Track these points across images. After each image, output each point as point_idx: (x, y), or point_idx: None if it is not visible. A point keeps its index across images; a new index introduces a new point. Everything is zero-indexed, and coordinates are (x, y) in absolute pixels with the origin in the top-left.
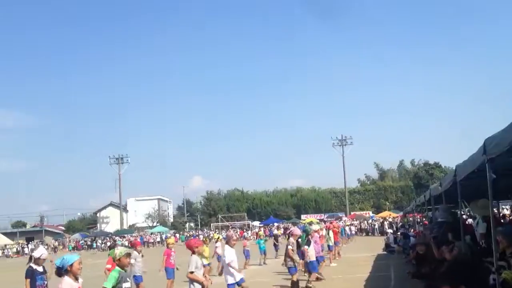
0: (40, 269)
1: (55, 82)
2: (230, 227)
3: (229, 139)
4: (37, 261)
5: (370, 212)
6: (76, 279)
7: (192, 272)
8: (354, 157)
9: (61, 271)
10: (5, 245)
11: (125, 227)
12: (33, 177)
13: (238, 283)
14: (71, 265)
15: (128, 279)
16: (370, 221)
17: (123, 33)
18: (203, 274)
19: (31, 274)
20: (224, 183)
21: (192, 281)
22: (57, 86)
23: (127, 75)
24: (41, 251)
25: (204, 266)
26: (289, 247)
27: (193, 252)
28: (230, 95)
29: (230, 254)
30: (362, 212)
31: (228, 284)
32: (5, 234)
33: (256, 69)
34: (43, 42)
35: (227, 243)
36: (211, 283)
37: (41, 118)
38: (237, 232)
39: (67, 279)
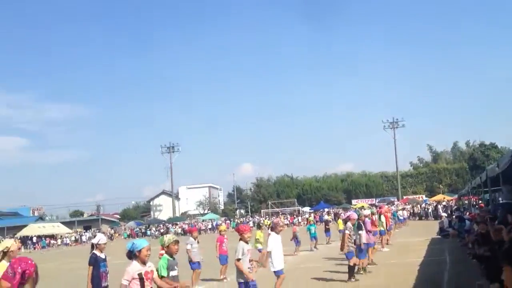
0: (102, 256)
1: (108, 72)
2: (280, 213)
3: (279, 124)
4: (99, 247)
5: (423, 196)
6: (144, 263)
7: (239, 260)
8: (406, 140)
9: (130, 255)
10: (66, 233)
11: (177, 214)
12: (89, 167)
13: (276, 273)
14: (140, 251)
15: (175, 267)
16: (423, 205)
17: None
18: (250, 260)
19: (94, 261)
20: (273, 169)
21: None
22: (110, 76)
23: (177, 61)
24: (99, 237)
25: (259, 251)
26: (346, 231)
27: (241, 238)
28: (284, 79)
29: (272, 243)
30: (415, 196)
31: (274, 271)
32: (64, 223)
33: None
34: (95, 32)
35: (273, 229)
36: (256, 271)
37: (94, 108)
38: (287, 218)
39: (135, 263)
